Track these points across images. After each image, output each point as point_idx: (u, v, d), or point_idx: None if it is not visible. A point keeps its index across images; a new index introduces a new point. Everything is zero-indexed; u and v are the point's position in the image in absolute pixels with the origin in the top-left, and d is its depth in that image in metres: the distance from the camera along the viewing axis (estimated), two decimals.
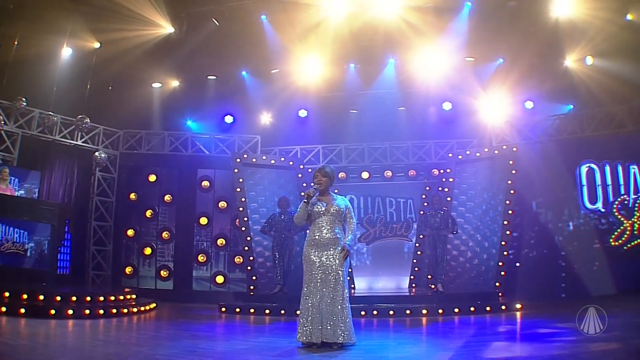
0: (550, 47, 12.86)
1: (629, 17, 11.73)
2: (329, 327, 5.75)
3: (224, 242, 13.83)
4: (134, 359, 5.03)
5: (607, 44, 12.09)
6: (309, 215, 6.25)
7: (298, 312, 9.44)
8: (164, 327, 8.22)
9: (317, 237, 6.12)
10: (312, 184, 6.46)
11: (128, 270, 13.44)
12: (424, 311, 9.57)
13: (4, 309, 7.46)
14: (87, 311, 8.14)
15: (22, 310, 7.54)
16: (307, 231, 11.72)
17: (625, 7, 11.61)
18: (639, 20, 11.59)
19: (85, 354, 5.33)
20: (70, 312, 7.93)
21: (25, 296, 7.80)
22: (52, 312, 7.75)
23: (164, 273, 13.54)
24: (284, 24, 12.55)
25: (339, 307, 5.83)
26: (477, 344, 6.40)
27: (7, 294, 7.73)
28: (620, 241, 12.00)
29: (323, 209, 6.20)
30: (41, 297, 7.93)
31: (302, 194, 6.24)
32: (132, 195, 13.86)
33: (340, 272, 5.95)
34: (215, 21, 12.62)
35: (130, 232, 13.63)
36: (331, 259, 5.99)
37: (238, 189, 12.59)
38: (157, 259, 13.65)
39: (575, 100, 13.56)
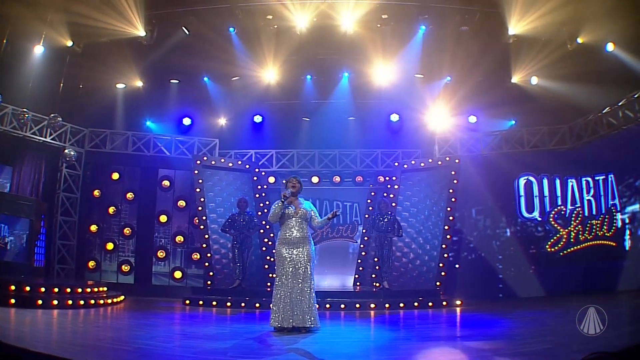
0: (498, 67, 13.89)
1: (580, 40, 12.64)
2: (298, 314, 6.77)
3: (182, 239, 14.49)
4: (139, 340, 5.86)
5: (553, 66, 13.08)
6: (281, 216, 7.16)
7: (257, 305, 10.57)
8: (144, 316, 8.97)
9: (288, 236, 7.13)
10: (288, 188, 7.27)
11: (91, 264, 13.91)
12: (372, 305, 10.67)
13: None
14: (70, 302, 8.82)
15: (13, 301, 8.09)
16: (262, 231, 12.79)
17: (574, 32, 12.61)
18: (589, 43, 12.49)
19: (100, 336, 6.14)
20: (55, 302, 8.56)
21: (12, 287, 8.36)
22: (39, 302, 8.36)
23: (125, 268, 14.07)
24: (249, 35, 13.42)
25: (307, 296, 6.88)
26: (424, 329, 7.64)
27: None
28: (556, 247, 12.98)
29: (293, 211, 7.19)
30: (27, 289, 8.53)
31: (281, 194, 7.17)
32: (96, 192, 14.32)
33: (308, 266, 7.02)
34: (185, 30, 13.28)
35: (93, 228, 14.10)
36: (300, 255, 7.04)
37: (198, 189, 13.33)
38: (119, 254, 14.19)
39: (517, 117, 14.67)
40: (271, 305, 7.01)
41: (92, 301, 9.38)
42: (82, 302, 9.04)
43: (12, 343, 3.41)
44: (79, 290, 9.41)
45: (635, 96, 11.25)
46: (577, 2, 11.51)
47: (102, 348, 5.21)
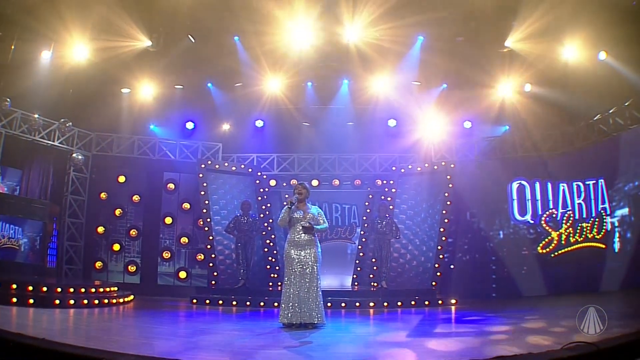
0: (492, 74, 14.14)
1: (573, 49, 12.70)
2: (305, 311, 7.24)
3: (187, 241, 14.84)
4: (163, 335, 6.30)
5: (546, 73, 13.36)
6: (289, 220, 7.63)
7: (262, 303, 11.00)
8: (158, 314, 9.41)
9: (296, 239, 7.59)
10: (294, 194, 7.74)
11: (98, 264, 14.25)
12: (371, 304, 11.14)
13: (14, 299, 8.35)
14: (85, 301, 9.23)
15: (31, 301, 8.45)
16: (264, 232, 13.16)
17: (568, 41, 12.72)
18: (582, 52, 12.62)
19: (129, 332, 6.56)
20: (72, 302, 8.96)
21: (30, 288, 8.74)
22: (57, 302, 8.74)
23: (131, 268, 14.43)
24: (253, 44, 13.74)
25: (314, 294, 7.35)
26: (423, 325, 8.11)
27: (14, 286, 8.64)
28: (547, 249, 13.34)
29: (301, 216, 7.65)
30: (44, 289, 8.91)
31: (287, 200, 7.63)
32: (103, 195, 14.64)
33: (315, 267, 7.47)
34: (191, 37, 13.66)
35: (100, 229, 14.43)
36: (307, 257, 7.48)
37: (202, 192, 13.68)
38: (125, 255, 14.55)
39: (510, 122, 14.91)
40: (280, 303, 7.45)
41: (106, 300, 9.80)
42: (96, 302, 9.46)
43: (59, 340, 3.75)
44: (93, 290, 9.83)
45: (626, 104, 11.74)
46: (571, 12, 11.84)
47: (137, 344, 5.62)
